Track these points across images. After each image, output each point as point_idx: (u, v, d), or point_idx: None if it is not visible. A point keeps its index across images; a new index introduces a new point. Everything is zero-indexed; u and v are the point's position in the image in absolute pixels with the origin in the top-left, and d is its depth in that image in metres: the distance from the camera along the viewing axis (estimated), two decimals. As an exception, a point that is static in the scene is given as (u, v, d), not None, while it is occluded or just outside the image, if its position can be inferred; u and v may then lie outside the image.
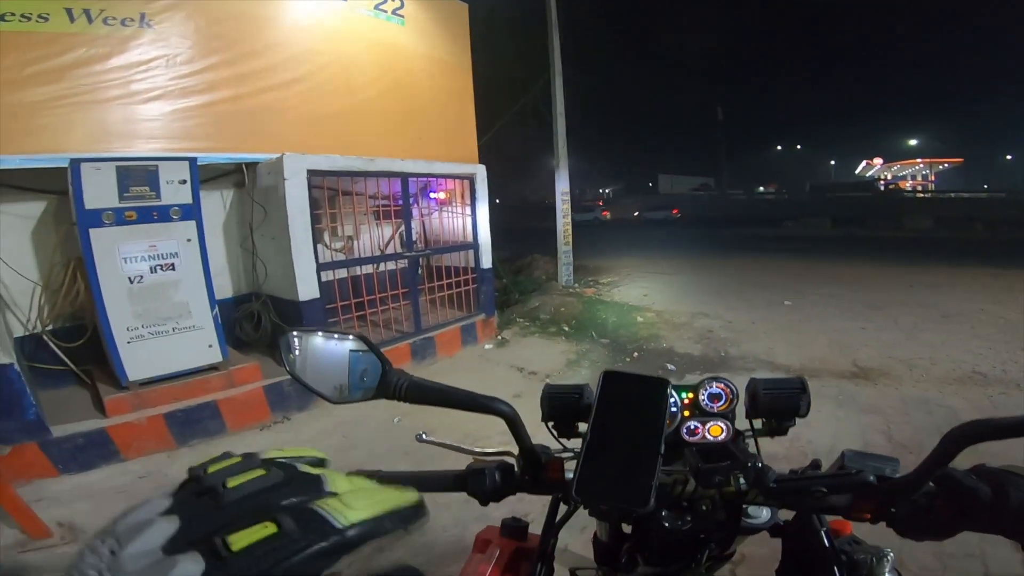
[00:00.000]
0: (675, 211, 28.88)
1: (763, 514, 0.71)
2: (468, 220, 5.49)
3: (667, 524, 0.67)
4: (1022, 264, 9.11)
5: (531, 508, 0.89)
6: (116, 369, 3.21)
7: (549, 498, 0.79)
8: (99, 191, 2.98)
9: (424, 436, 0.83)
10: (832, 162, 50.05)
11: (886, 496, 0.58)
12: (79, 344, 3.57)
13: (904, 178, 38.36)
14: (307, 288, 3.90)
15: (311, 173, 3.92)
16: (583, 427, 0.78)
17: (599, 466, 0.58)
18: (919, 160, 38.94)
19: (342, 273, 4.44)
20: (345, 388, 0.67)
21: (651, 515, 0.68)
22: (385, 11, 4.88)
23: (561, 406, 0.83)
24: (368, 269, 4.62)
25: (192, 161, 3.37)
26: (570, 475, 0.70)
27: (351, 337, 0.68)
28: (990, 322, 5.66)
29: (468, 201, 5.47)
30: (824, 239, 15.75)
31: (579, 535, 0.80)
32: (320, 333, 0.71)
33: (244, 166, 4.09)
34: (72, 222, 3.11)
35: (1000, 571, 2.05)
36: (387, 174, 4.62)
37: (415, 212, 5.78)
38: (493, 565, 0.76)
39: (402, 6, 5.00)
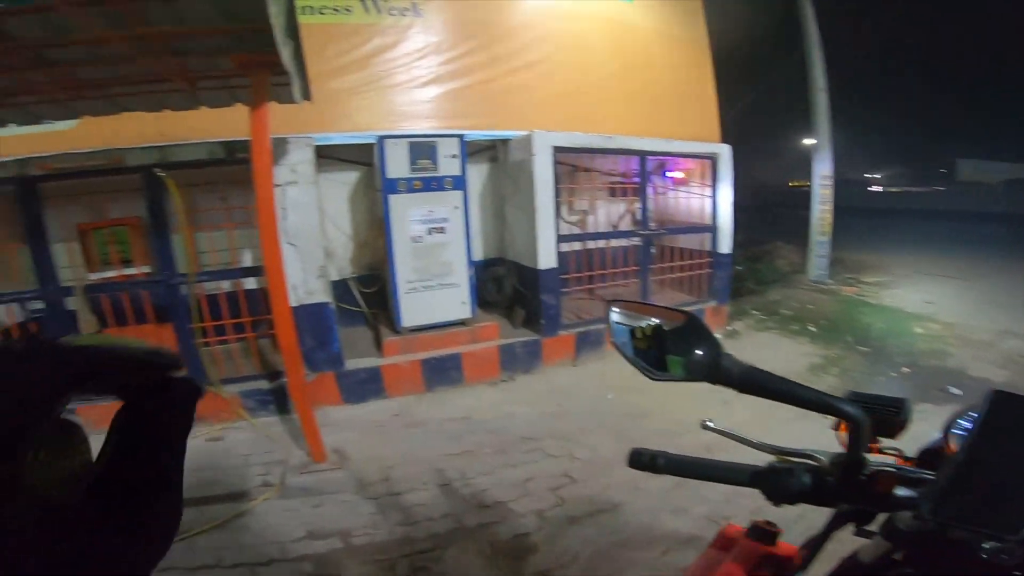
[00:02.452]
0: None
1: None
2: (707, 202, 5.12)
3: (985, 556, 0.54)
4: None
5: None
6: (395, 315, 3.85)
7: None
8: (397, 163, 3.61)
9: (710, 424, 0.80)
10: None
11: None
12: (372, 291, 4.44)
13: None
14: (547, 258, 4.13)
15: (556, 149, 4.10)
16: (886, 442, 0.75)
17: (965, 488, 0.53)
18: None
19: (576, 246, 4.59)
20: (667, 365, 0.66)
21: (962, 542, 0.57)
22: (612, -10, 4.82)
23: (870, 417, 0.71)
24: (601, 244, 4.69)
25: (461, 137, 3.83)
26: (901, 492, 0.64)
27: (675, 314, 0.67)
28: None
29: (709, 182, 5.09)
30: None
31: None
32: (643, 307, 0.72)
33: (499, 142, 4.52)
34: (377, 189, 3.85)
35: None
36: (626, 151, 4.58)
37: (650, 190, 5.63)
38: (738, 564, 0.74)
39: (629, -16, 4.86)
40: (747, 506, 2.33)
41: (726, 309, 5.28)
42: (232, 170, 3.24)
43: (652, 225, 4.80)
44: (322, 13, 3.89)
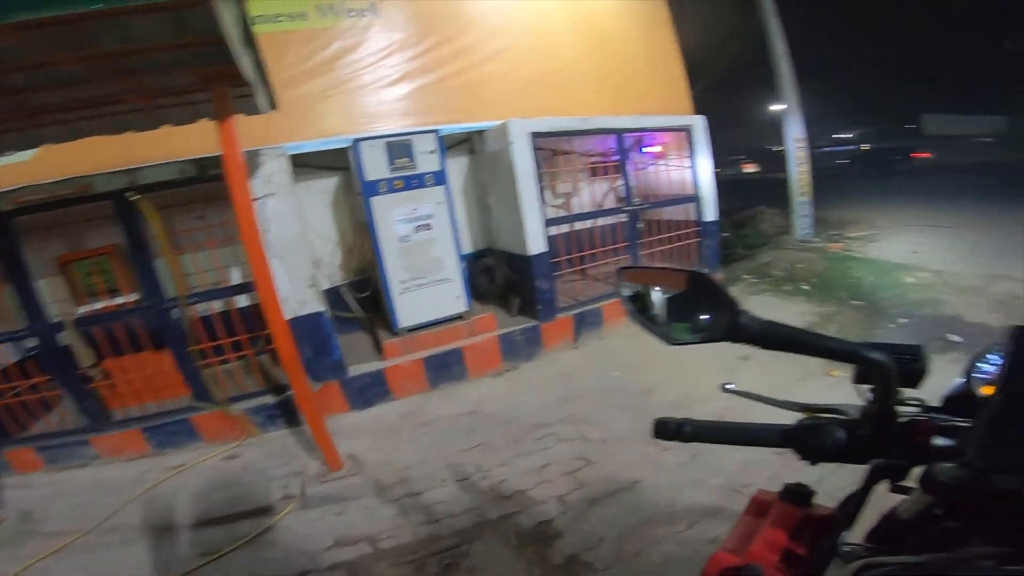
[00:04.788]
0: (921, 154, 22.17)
1: None
2: (688, 173, 5.14)
3: None
4: None
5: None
6: (391, 317, 3.83)
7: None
8: (375, 165, 3.57)
9: (731, 386, 0.79)
10: None
11: None
12: (365, 296, 4.41)
13: None
14: (535, 243, 4.13)
15: (534, 135, 4.09)
16: (908, 392, 0.72)
17: (1008, 432, 0.51)
18: None
19: (564, 229, 4.58)
20: (684, 328, 0.65)
21: (1008, 490, 0.55)
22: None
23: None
24: (588, 224, 4.69)
25: (436, 132, 3.80)
26: (940, 441, 0.62)
27: (686, 275, 0.65)
28: None
29: (687, 153, 5.11)
30: None
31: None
32: (652, 272, 0.70)
33: (475, 134, 4.49)
34: (357, 192, 3.81)
35: None
36: (602, 131, 4.58)
37: (630, 167, 5.64)
38: (776, 529, 0.71)
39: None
40: (764, 473, 2.35)
41: (719, 276, 5.31)
42: (207, 188, 3.19)
43: (636, 200, 4.80)
44: (277, 21, 3.83)
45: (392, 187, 3.61)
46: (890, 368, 0.60)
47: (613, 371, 3.75)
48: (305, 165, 4.14)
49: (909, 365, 0.69)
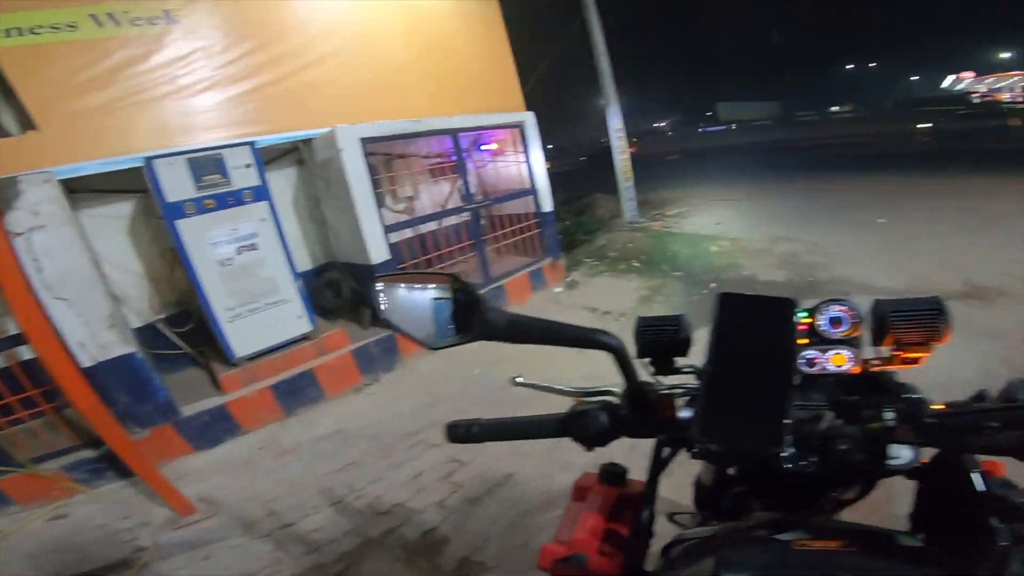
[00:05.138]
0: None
1: (905, 454, 0.59)
2: (524, 167, 5.39)
3: (790, 465, 0.57)
4: None
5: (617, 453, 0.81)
6: (224, 348, 3.47)
7: (649, 442, 0.72)
8: (177, 184, 3.15)
9: (520, 380, 0.79)
10: (914, 78, 44.87)
11: None
12: (189, 329, 3.91)
13: (1000, 91, 34.03)
14: (378, 251, 4.01)
15: (364, 141, 3.95)
16: (681, 362, 0.75)
17: (723, 402, 0.53)
18: (1015, 72, 34.51)
19: (408, 233, 4.52)
20: (440, 332, 0.64)
21: (771, 455, 0.60)
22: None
23: (656, 340, 0.75)
24: (433, 226, 4.67)
25: (251, 144, 3.47)
26: (683, 414, 0.65)
27: (441, 277, 0.64)
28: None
29: (521, 149, 5.35)
30: (917, 154, 13.87)
31: (667, 479, 0.75)
32: (408, 277, 0.67)
33: (301, 143, 4.20)
34: (158, 216, 3.34)
35: None
36: (436, 132, 4.58)
37: (470, 166, 5.74)
38: (595, 513, 0.73)
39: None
40: (625, 442, 2.60)
41: (562, 263, 5.68)
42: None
43: (478, 198, 4.91)
44: (35, 33, 3.18)
45: (202, 207, 3.23)
46: (618, 349, 0.61)
47: (474, 369, 3.80)
48: (92, 190, 3.53)
49: (674, 336, 0.73)
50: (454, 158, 4.72)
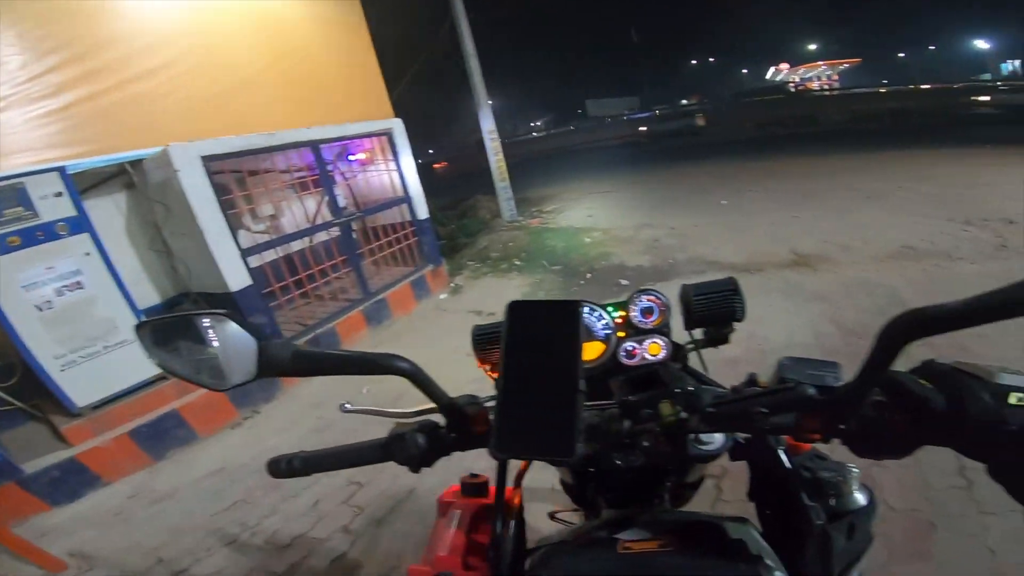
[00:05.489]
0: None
1: (716, 438, 0.61)
2: (395, 175, 5.29)
3: (619, 463, 0.59)
4: (930, 145, 9.45)
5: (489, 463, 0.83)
6: (61, 398, 3.05)
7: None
8: (-32, 221, 2.68)
9: (348, 406, 0.76)
10: (744, 71, 51.31)
11: (831, 410, 0.49)
12: (14, 382, 3.34)
13: (810, 79, 39.88)
14: (236, 277, 3.71)
15: (207, 159, 3.63)
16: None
17: (517, 413, 0.51)
18: (821, 62, 40.42)
19: (273, 255, 4.22)
20: (224, 372, 0.60)
21: (602, 455, 0.60)
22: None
23: (490, 347, 0.76)
24: (302, 244, 4.42)
25: (61, 170, 3.05)
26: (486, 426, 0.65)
27: (212, 316, 0.60)
28: (910, 198, 5.90)
29: (391, 156, 5.25)
30: (750, 140, 15.99)
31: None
32: (178, 320, 0.63)
33: (129, 165, 3.75)
34: (-53, 261, 2.81)
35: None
36: (294, 145, 4.33)
37: (338, 177, 5.52)
38: (455, 529, 0.71)
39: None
40: None
41: (444, 269, 5.67)
42: None
43: (349, 210, 4.74)
44: None
45: (6, 246, 2.77)
46: (411, 372, 0.59)
47: (363, 387, 3.67)
48: None
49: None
50: (317, 171, 4.51)
